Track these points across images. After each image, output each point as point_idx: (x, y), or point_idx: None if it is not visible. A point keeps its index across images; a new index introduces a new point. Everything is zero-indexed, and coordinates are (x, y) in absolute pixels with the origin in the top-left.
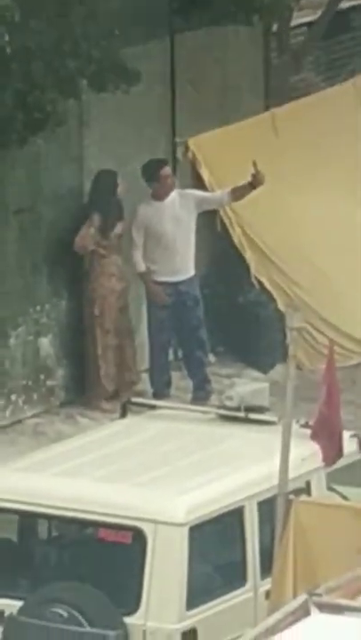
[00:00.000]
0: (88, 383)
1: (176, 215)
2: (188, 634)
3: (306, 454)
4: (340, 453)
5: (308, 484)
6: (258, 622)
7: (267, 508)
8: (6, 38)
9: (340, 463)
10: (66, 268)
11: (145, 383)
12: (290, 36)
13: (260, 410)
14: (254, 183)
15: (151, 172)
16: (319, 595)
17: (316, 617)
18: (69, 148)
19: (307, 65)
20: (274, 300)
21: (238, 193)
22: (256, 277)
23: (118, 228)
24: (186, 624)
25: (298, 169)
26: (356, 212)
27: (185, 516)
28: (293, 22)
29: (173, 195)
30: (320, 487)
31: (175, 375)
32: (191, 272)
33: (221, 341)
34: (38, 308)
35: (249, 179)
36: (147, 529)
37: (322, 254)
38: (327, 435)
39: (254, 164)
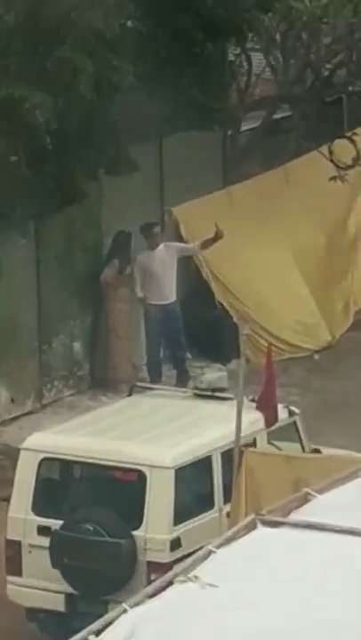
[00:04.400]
0: (106, 373)
1: (163, 260)
2: (174, 542)
3: (253, 419)
4: (275, 419)
5: (254, 439)
6: (221, 534)
7: (227, 456)
8: (48, 140)
9: (276, 426)
10: (90, 295)
11: (144, 373)
12: (240, 138)
13: (222, 390)
14: (216, 237)
15: (146, 230)
16: (263, 514)
17: (260, 530)
18: (91, 214)
19: (251, 157)
20: (230, 316)
21: (205, 244)
22: (218, 301)
23: (128, 270)
24: (173, 535)
25: (247, 227)
26: (286, 255)
27: (172, 462)
28: (242, 128)
29: (161, 246)
30: (263, 442)
31: (165, 367)
32: (174, 297)
33: (195, 344)
34: (72, 322)
35: (212, 234)
36: (146, 471)
37: (262, 284)
38: (267, 406)
39: (216, 225)
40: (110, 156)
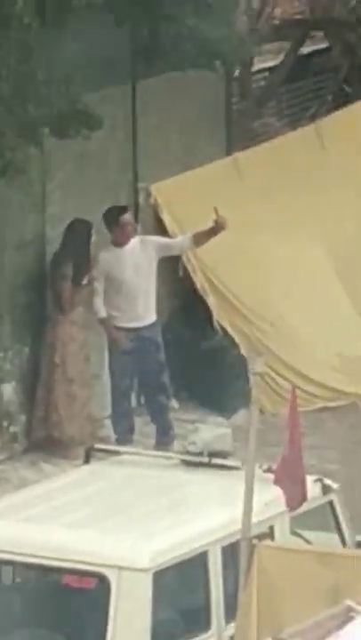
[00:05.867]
0: (50, 430)
1: (136, 262)
2: None
3: (269, 499)
4: (303, 498)
5: (271, 528)
6: None
7: (231, 552)
8: None
9: (304, 507)
10: (29, 315)
11: (108, 429)
12: (252, 81)
13: (224, 455)
14: (216, 229)
15: (112, 218)
16: (283, 639)
17: None
18: (31, 195)
19: (269, 110)
20: (236, 346)
21: (200, 238)
22: (219, 323)
23: (87, 278)
24: None
25: (262, 213)
26: (320, 255)
27: (149, 561)
28: (255, 67)
29: (134, 241)
30: (284, 532)
31: (138, 421)
32: (153, 318)
33: (184, 387)
34: (1, 354)
35: (210, 224)
36: (110, 575)
37: (285, 298)
38: (290, 479)
39: (215, 210)
40: (58, 109)
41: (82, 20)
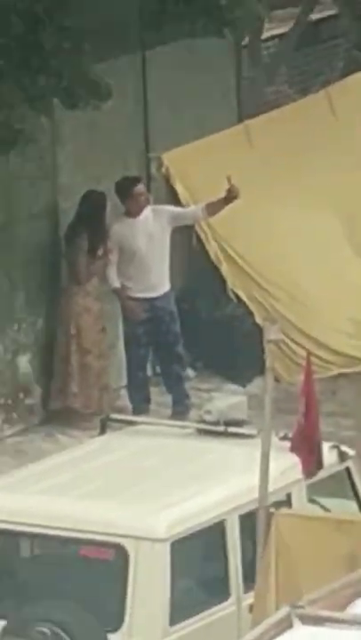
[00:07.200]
0: (66, 402)
1: (149, 232)
2: None
3: (286, 467)
4: (320, 465)
5: (288, 496)
6: (241, 636)
7: (248, 521)
8: None
9: (321, 475)
10: (43, 286)
11: (124, 399)
12: (262, 49)
13: (239, 423)
14: (229, 198)
15: (124, 189)
16: (302, 607)
17: (298, 629)
18: (42, 166)
19: (279, 77)
20: (251, 314)
21: (213, 208)
22: (233, 291)
23: (102, 250)
24: None
25: (273, 181)
26: (332, 222)
27: (166, 531)
28: (265, 34)
29: (147, 211)
30: (301, 499)
31: (154, 391)
32: (166, 287)
33: (199, 356)
34: (16, 326)
35: (223, 193)
36: (128, 545)
37: (298, 266)
38: (307, 446)
39: (228, 179)
40: (67, 79)
41: None
